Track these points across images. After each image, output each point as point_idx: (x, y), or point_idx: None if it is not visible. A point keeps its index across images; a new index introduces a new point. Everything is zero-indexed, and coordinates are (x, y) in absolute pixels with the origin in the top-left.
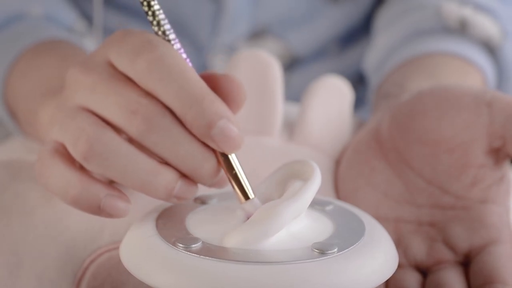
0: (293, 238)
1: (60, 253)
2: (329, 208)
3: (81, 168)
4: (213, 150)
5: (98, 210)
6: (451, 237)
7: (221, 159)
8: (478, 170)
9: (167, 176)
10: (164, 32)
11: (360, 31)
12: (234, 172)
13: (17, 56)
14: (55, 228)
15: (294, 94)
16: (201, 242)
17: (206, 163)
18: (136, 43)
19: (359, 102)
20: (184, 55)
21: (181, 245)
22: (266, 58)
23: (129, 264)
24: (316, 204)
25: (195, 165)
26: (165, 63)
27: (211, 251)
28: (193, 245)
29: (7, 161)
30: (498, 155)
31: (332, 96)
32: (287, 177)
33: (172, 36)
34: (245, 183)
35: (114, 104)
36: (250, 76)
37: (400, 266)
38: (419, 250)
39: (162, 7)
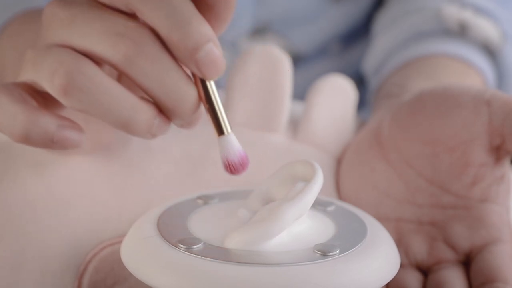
0: (295, 240)
1: (63, 246)
2: (330, 208)
3: (28, 102)
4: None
5: (51, 143)
6: (452, 237)
7: (200, 89)
8: (479, 169)
9: (148, 112)
10: None
11: (361, 30)
12: (212, 103)
13: (5, 22)
14: (57, 221)
15: (295, 92)
16: (202, 243)
17: (189, 95)
18: None
19: (360, 103)
20: None
21: (182, 246)
22: (278, 54)
23: (130, 264)
24: (317, 205)
25: (179, 96)
26: None
27: (212, 252)
28: (195, 246)
29: None
30: (498, 153)
31: (336, 95)
32: (289, 178)
33: None
34: (222, 116)
35: (97, 30)
36: (260, 72)
37: (401, 265)
38: (420, 249)
39: None
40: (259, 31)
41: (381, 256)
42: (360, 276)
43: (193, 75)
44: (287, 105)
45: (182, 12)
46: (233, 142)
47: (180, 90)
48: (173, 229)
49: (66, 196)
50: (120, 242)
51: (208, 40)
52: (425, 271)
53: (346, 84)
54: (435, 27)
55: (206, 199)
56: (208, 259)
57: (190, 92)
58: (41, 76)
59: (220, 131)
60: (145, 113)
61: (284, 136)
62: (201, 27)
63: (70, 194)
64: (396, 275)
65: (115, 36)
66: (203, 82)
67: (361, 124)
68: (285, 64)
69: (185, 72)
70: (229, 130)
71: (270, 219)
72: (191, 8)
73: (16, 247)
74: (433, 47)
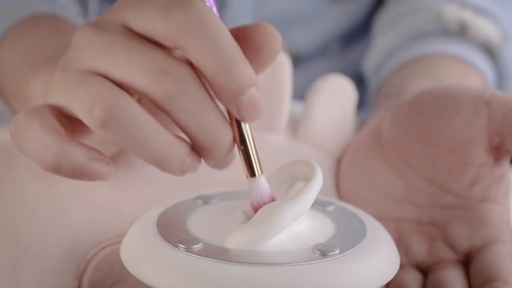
0: (294, 239)
1: (63, 245)
2: (330, 208)
3: (59, 131)
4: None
5: (80, 175)
6: (452, 236)
7: (235, 129)
8: (478, 169)
9: (182, 150)
10: None
11: (361, 30)
12: (246, 145)
13: (7, 28)
14: (57, 221)
15: (295, 92)
16: (202, 243)
17: (225, 136)
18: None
19: (360, 103)
20: (216, 13)
21: (182, 246)
22: None
23: (130, 264)
24: (317, 205)
25: (215, 136)
26: (202, 20)
27: (212, 252)
28: (194, 246)
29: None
30: (497, 153)
31: (337, 95)
32: (289, 178)
33: None
34: (255, 159)
35: (136, 63)
36: None
37: (401, 265)
38: (420, 249)
39: None
40: None
41: (381, 256)
42: (360, 276)
43: (229, 115)
44: (287, 105)
45: (229, 54)
46: (264, 184)
47: (217, 131)
48: (172, 229)
49: (66, 196)
50: (120, 242)
51: (251, 84)
52: (425, 271)
53: (346, 84)
54: (435, 27)
55: (205, 199)
56: (208, 259)
57: (226, 133)
58: (77, 104)
59: (251, 173)
60: (179, 150)
61: (284, 136)
62: (246, 71)
63: (70, 194)
64: (396, 275)
65: (157, 72)
66: (238, 123)
67: (361, 124)
68: (285, 64)
69: (222, 112)
70: (260, 173)
71: (269, 219)
72: (238, 51)
73: (16, 247)
74: (433, 47)
